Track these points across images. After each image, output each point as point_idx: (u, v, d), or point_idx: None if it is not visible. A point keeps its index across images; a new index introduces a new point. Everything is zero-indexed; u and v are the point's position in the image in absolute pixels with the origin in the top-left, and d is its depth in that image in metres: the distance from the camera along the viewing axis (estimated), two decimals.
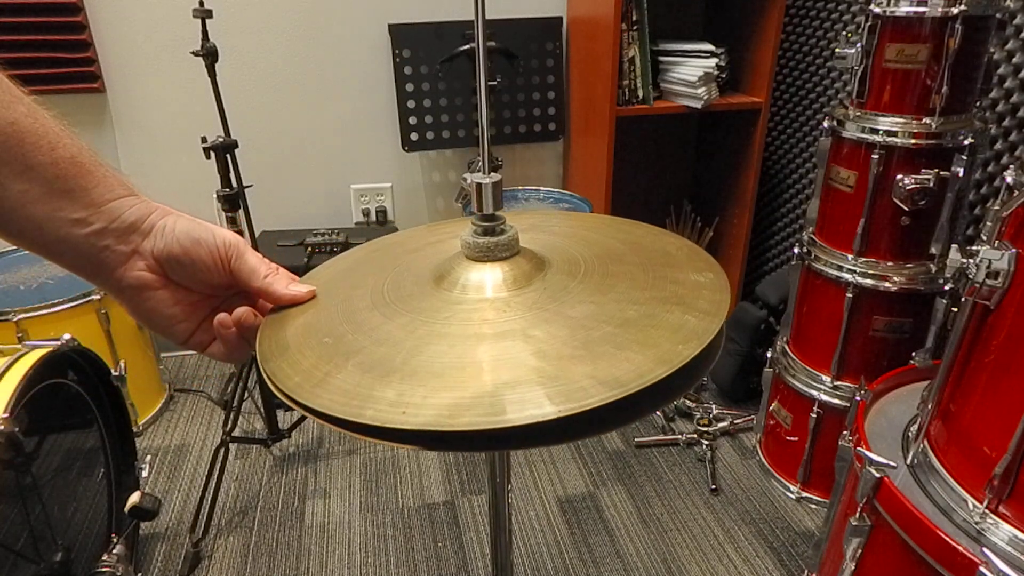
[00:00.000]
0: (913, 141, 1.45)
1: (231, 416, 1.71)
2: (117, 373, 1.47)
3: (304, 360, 0.46)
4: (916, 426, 1.13)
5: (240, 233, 1.66)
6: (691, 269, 0.53)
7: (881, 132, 1.47)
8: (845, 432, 1.19)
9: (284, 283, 0.53)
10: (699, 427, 2.02)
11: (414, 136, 2.27)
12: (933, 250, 1.52)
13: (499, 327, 0.46)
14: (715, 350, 0.45)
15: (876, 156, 1.48)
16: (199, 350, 0.54)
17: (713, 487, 1.83)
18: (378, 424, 0.38)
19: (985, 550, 0.90)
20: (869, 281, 1.56)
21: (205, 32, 1.55)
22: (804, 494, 1.79)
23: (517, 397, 0.39)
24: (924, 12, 1.37)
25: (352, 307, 0.52)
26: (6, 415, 1.07)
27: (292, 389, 0.43)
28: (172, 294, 0.51)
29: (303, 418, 2.06)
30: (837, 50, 1.53)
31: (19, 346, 1.31)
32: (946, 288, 1.50)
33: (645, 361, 0.41)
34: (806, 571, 1.37)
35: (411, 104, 2.23)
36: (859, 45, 1.48)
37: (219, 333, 0.52)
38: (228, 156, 1.60)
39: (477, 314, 0.48)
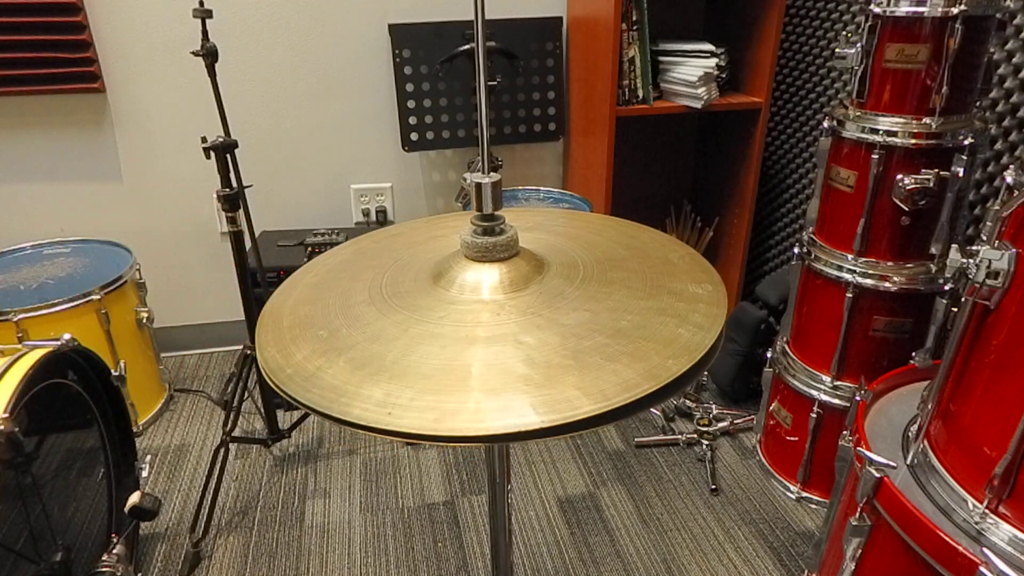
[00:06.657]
0: (913, 141, 1.45)
1: (231, 416, 1.71)
2: (117, 373, 1.47)
3: (298, 352, 0.46)
4: (916, 426, 1.13)
5: (240, 233, 1.67)
6: (690, 279, 0.52)
7: (881, 132, 1.47)
8: (845, 432, 1.19)
9: None
10: (699, 427, 2.02)
11: (414, 136, 2.27)
12: (933, 250, 1.52)
13: (492, 331, 0.46)
14: (705, 364, 0.45)
15: (876, 156, 1.48)
16: None
17: (713, 487, 1.82)
18: (363, 423, 0.39)
19: (985, 550, 0.90)
20: (869, 281, 1.56)
21: (205, 32, 1.55)
22: (804, 494, 1.79)
23: (501, 405, 0.39)
24: (924, 12, 1.37)
25: (349, 300, 0.52)
26: (6, 415, 1.07)
27: (284, 382, 0.44)
28: None
29: (303, 418, 2.06)
30: (837, 50, 1.53)
31: (19, 346, 1.30)
32: (946, 288, 1.50)
33: (633, 375, 0.40)
34: (806, 571, 1.37)
35: (411, 104, 2.23)
36: (859, 45, 1.48)
37: None
38: (228, 156, 1.60)
39: (471, 315, 0.48)
